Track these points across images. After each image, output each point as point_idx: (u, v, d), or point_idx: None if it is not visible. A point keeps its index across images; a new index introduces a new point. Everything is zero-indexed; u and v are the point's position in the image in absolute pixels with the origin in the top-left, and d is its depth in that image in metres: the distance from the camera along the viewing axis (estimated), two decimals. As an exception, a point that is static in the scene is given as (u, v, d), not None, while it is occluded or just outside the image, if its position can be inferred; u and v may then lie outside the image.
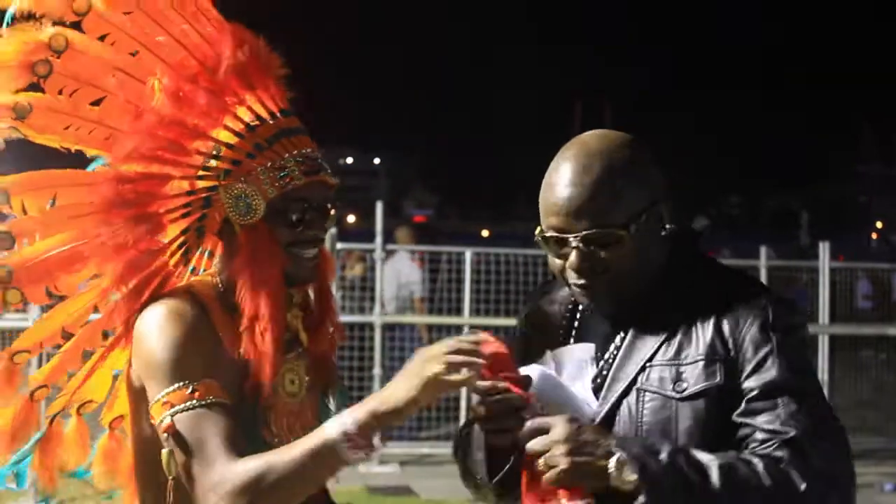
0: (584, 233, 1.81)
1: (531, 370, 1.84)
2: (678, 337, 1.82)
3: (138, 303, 1.93)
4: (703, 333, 1.81)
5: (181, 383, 1.79)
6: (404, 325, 8.93)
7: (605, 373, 1.87)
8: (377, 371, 8.19)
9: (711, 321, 1.81)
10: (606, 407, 1.83)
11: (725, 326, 1.80)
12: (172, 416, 1.77)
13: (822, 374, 8.72)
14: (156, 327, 1.84)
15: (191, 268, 2.07)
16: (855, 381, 10.54)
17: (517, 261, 8.76)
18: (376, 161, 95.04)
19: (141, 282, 1.94)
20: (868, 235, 45.19)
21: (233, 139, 1.91)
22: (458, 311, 8.55)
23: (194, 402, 1.77)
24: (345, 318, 8.47)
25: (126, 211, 1.90)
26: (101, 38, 1.97)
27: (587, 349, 1.90)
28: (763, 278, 9.03)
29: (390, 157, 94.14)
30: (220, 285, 1.95)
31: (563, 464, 1.63)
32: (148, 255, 1.94)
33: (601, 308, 1.89)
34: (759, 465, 1.67)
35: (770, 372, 1.77)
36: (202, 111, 1.92)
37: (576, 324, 2.00)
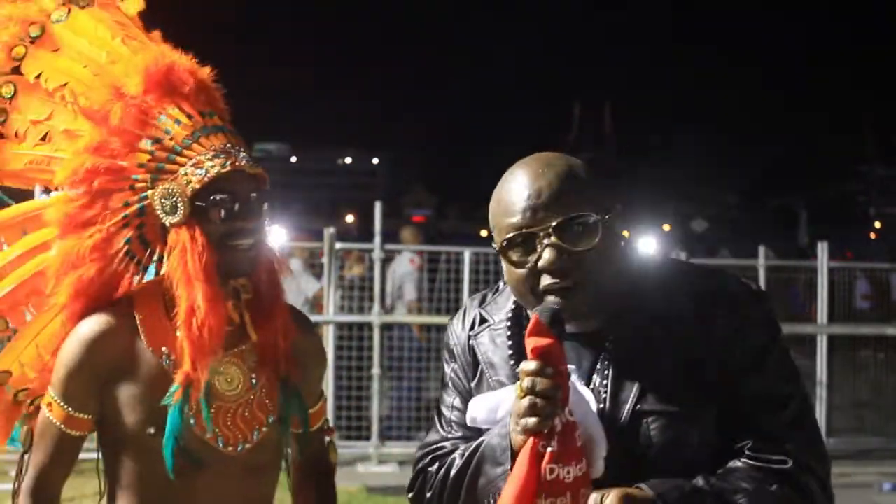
0: (559, 220, 1.74)
1: None
2: (669, 352, 1.77)
3: (79, 313, 2.07)
4: (693, 346, 1.77)
5: (54, 393, 2.04)
6: (402, 325, 8.92)
7: (603, 396, 1.79)
8: (376, 371, 8.19)
9: (697, 333, 1.77)
10: (616, 430, 1.75)
11: (711, 336, 1.77)
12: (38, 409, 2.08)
13: (821, 374, 8.72)
14: (66, 343, 2.05)
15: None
16: (853, 381, 10.54)
17: (516, 261, 8.73)
18: (375, 161, 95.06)
19: (92, 293, 2.06)
20: (867, 235, 45.17)
21: (154, 147, 2.03)
22: (457, 311, 8.53)
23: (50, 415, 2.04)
24: (344, 318, 8.50)
25: (75, 229, 2.05)
26: (36, 77, 2.16)
27: (573, 370, 1.79)
28: (762, 278, 9.04)
29: (389, 157, 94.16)
30: (163, 288, 2.03)
31: None
32: (99, 269, 2.05)
33: (578, 313, 1.77)
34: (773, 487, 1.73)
35: (765, 380, 1.78)
36: (124, 128, 2.03)
37: (482, 356, 1.95)
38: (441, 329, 8.95)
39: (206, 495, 2.03)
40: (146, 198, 2.02)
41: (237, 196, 2.00)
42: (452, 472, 1.88)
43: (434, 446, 1.99)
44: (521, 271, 1.79)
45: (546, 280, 1.76)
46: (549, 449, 1.66)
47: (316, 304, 8.99)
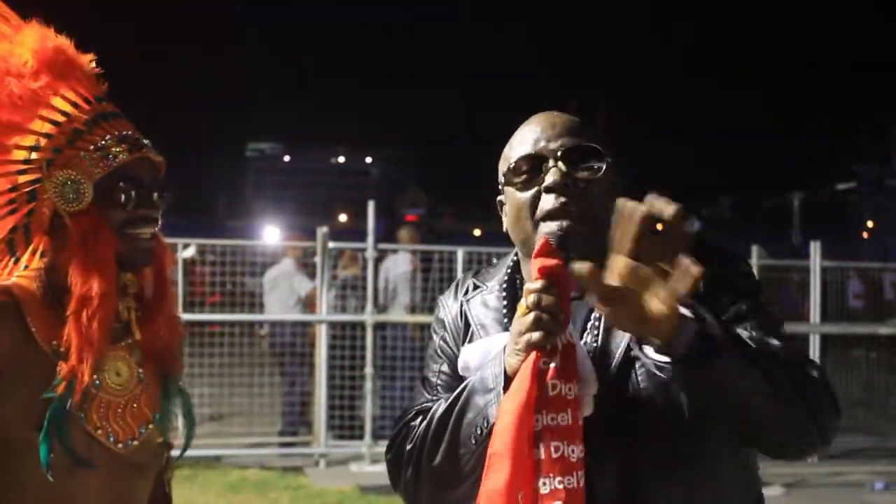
0: (568, 146, 1.78)
1: None
2: None
3: None
4: None
5: None
6: (395, 325, 8.92)
7: (595, 346, 1.79)
8: (369, 370, 8.19)
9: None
10: (606, 381, 1.73)
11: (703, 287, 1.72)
12: None
13: (814, 373, 8.73)
14: None
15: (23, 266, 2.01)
16: (846, 381, 10.56)
17: (509, 260, 8.73)
18: (368, 160, 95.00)
19: None
20: (860, 235, 45.30)
21: (50, 128, 1.92)
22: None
23: None
24: (337, 318, 8.49)
25: None
26: None
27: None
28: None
29: (382, 156, 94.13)
30: (44, 281, 1.92)
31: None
32: None
33: (575, 241, 1.74)
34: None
35: (743, 305, 1.77)
36: (15, 106, 1.92)
37: (473, 319, 1.92)
38: (434, 328, 8.94)
39: (92, 497, 1.90)
40: (39, 181, 1.91)
41: (141, 183, 1.94)
42: (437, 415, 1.82)
43: (418, 406, 1.95)
44: (524, 194, 1.81)
45: (549, 200, 1.77)
46: (552, 365, 1.65)
47: (309, 303, 8.99)
